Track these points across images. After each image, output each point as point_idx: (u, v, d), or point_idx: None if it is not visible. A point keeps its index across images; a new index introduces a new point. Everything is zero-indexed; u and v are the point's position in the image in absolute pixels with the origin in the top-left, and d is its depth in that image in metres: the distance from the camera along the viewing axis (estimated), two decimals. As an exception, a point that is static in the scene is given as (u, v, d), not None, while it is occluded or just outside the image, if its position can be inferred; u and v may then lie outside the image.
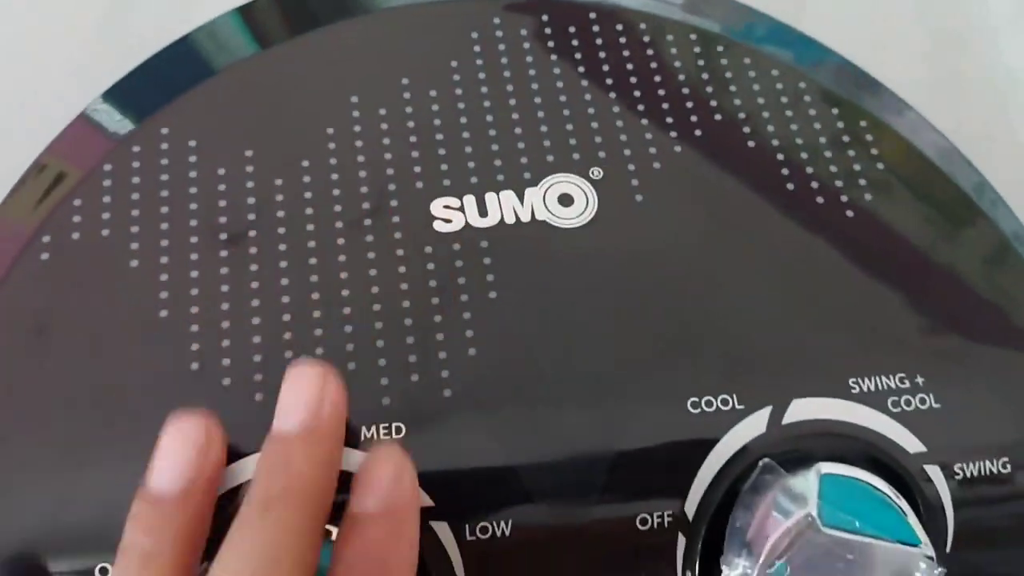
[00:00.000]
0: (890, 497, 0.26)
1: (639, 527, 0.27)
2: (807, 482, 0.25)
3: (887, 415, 0.28)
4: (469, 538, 0.26)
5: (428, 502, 0.26)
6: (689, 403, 0.27)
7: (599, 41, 0.35)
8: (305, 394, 0.23)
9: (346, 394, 0.24)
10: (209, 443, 0.23)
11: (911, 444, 0.27)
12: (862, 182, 0.32)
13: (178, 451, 0.23)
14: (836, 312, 0.30)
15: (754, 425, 0.27)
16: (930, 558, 0.24)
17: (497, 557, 0.26)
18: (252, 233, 0.30)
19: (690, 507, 0.27)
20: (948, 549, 0.27)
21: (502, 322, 0.28)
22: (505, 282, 0.29)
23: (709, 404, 0.27)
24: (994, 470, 0.28)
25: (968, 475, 0.27)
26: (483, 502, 0.26)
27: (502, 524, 0.26)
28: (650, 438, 0.27)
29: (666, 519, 0.27)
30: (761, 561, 0.25)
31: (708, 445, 0.27)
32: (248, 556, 0.20)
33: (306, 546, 0.21)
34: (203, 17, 0.35)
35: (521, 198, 0.31)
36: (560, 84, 0.33)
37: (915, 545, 0.24)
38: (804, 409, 0.27)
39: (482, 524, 0.26)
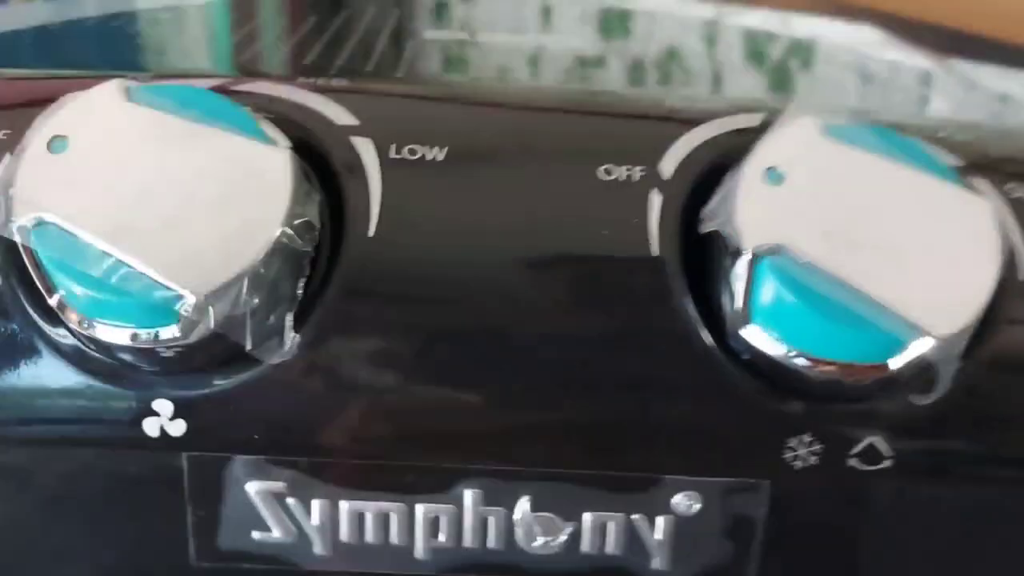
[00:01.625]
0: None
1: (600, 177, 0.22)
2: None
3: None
4: (393, 156, 0.21)
5: (353, 120, 0.22)
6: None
7: None
8: None
9: None
10: None
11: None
12: None
13: None
14: None
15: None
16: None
17: (423, 181, 0.21)
18: None
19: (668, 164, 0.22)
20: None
21: None
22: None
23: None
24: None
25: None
26: (415, 121, 0.22)
27: (434, 148, 0.22)
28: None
29: (637, 173, 0.22)
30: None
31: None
32: None
33: None
34: None
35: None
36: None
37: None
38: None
39: (411, 145, 0.22)
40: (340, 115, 0.22)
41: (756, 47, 0.39)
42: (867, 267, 0.19)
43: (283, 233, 0.19)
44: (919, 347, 0.19)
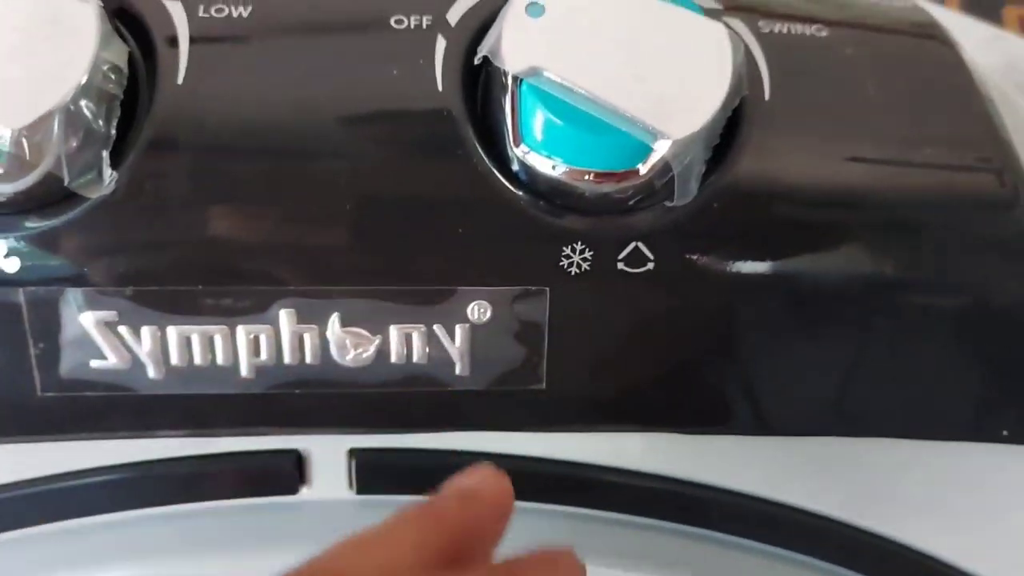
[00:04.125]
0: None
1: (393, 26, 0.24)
2: None
3: None
4: (201, 15, 0.24)
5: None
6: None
7: None
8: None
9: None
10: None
11: None
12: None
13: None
14: None
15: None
16: None
17: (228, 35, 0.24)
18: None
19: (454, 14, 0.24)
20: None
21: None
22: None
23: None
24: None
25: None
26: None
27: (238, 6, 0.24)
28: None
29: (424, 21, 0.24)
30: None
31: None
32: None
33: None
34: None
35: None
36: None
37: None
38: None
39: (217, 5, 0.24)
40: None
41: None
42: (615, 85, 0.22)
43: (91, 74, 0.21)
44: (661, 150, 0.22)
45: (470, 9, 0.24)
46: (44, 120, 0.21)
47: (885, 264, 0.24)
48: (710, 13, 0.24)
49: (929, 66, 0.27)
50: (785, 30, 0.26)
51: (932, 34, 0.28)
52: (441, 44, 0.24)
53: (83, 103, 0.21)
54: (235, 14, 0.24)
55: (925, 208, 0.24)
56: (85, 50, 0.21)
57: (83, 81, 0.21)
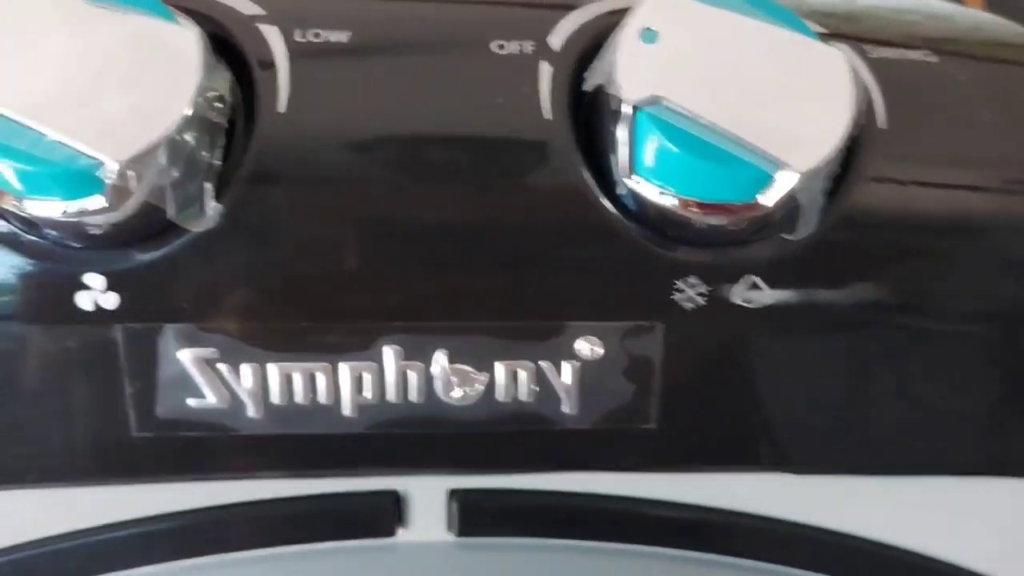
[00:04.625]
0: None
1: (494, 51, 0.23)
2: None
3: None
4: (299, 40, 0.23)
5: (258, 10, 0.23)
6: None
7: None
8: None
9: None
10: None
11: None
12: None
13: None
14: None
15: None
16: None
17: (329, 63, 0.23)
18: None
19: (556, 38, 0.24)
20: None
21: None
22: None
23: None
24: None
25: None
26: (316, 6, 0.24)
27: (337, 31, 0.23)
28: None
29: (527, 47, 0.23)
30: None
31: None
32: None
33: None
34: None
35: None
36: None
37: None
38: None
39: (315, 30, 0.23)
40: (245, 6, 0.23)
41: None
42: (735, 114, 0.21)
43: (196, 104, 0.21)
44: (784, 181, 0.21)
45: (573, 33, 0.24)
46: (149, 152, 0.20)
47: (1009, 293, 0.23)
48: (819, 36, 0.24)
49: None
50: (894, 56, 0.25)
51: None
52: (545, 70, 0.23)
53: (188, 133, 0.21)
54: (333, 39, 0.23)
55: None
56: (189, 78, 0.21)
57: (188, 111, 0.20)
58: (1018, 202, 0.24)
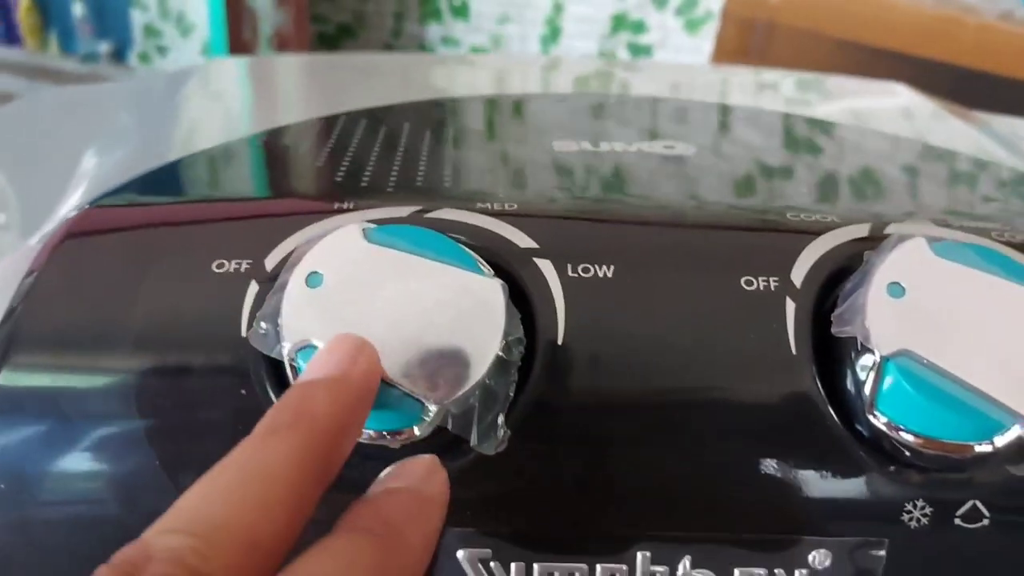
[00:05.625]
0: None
1: (744, 287, 0.26)
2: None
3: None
4: (571, 275, 0.26)
5: (532, 243, 0.26)
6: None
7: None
8: (339, 352, 0.22)
9: (379, 367, 0.22)
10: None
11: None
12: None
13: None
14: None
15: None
16: None
17: (598, 296, 0.26)
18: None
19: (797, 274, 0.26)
20: None
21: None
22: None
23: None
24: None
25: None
26: (585, 243, 0.27)
27: (604, 266, 0.26)
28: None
29: (772, 283, 0.26)
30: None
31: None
32: (242, 469, 0.18)
33: (306, 479, 0.19)
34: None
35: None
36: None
37: None
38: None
39: (584, 264, 0.26)
40: (520, 238, 0.26)
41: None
42: (974, 365, 0.24)
43: (502, 349, 0.23)
44: (1019, 429, 0.24)
45: (811, 268, 0.26)
46: (466, 395, 0.23)
47: None
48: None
49: None
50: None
51: None
52: (791, 307, 0.26)
53: (493, 375, 0.23)
54: (601, 274, 0.26)
55: None
56: (496, 326, 0.23)
57: (497, 356, 0.23)
58: None
